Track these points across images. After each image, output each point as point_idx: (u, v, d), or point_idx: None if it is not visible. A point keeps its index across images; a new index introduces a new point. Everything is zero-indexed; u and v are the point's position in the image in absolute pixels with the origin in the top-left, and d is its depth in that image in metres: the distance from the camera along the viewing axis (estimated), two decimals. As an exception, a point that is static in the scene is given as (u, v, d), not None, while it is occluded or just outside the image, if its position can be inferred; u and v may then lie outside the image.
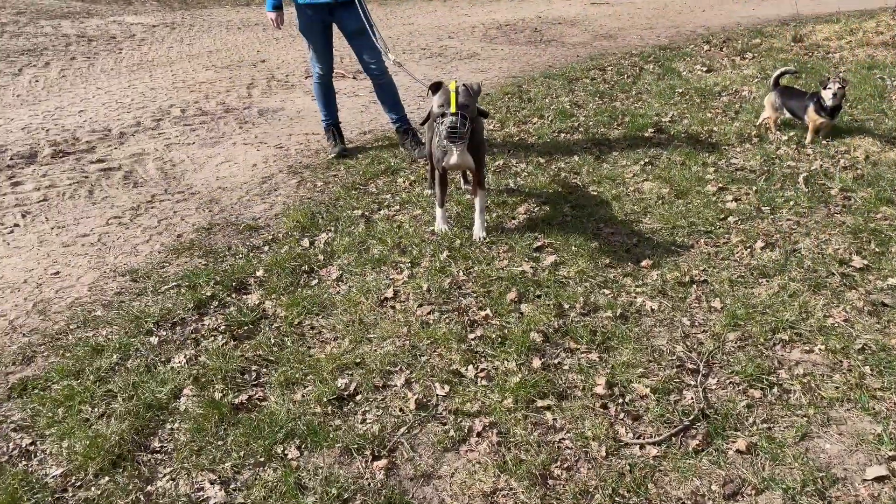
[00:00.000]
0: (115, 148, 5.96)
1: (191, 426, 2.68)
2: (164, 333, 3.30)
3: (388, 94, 5.56)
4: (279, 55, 9.63)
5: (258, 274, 3.80)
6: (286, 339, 3.24)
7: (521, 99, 7.10)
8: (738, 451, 2.53)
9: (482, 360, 3.03)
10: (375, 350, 3.13)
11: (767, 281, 3.64)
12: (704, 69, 8.27)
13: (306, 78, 8.39)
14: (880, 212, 4.38)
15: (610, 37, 10.90)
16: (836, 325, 3.24)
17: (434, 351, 3.11)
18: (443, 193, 4.20)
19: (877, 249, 3.92)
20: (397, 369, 3.01)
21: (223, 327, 3.34)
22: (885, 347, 3.06)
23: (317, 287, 3.68)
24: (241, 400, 2.83)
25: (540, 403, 2.76)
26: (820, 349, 3.07)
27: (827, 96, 5.43)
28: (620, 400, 2.79)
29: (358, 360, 3.05)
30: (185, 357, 3.10)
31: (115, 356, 3.10)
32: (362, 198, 4.77)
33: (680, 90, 7.31)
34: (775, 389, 2.84)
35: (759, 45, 9.58)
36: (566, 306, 3.40)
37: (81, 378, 2.96)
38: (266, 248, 4.13)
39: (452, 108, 3.68)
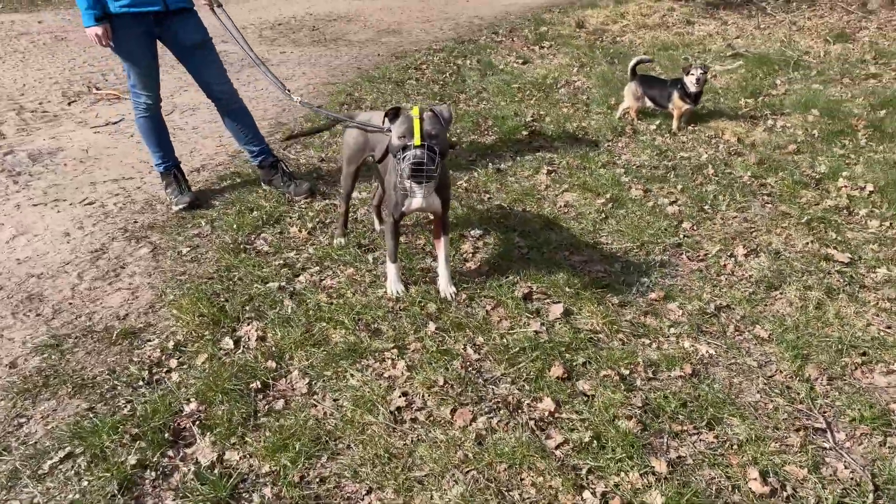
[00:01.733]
0: None
1: None
2: (99, 553, 2.04)
3: (243, 123, 4.38)
4: (12, 77, 7.57)
5: (190, 409, 2.60)
6: (300, 510, 2.18)
7: (362, 109, 6.22)
8: (946, 526, 2.10)
9: (592, 478, 2.27)
10: (441, 497, 2.21)
11: (781, 293, 3.33)
12: (520, 61, 8.04)
13: (70, 104, 6.63)
14: (803, 196, 4.34)
15: (394, 32, 10.30)
16: (885, 333, 3.00)
17: (520, 478, 2.28)
18: (396, 245, 3.30)
19: (838, 238, 3.82)
20: (493, 521, 2.13)
21: (190, 516, 2.16)
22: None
23: (289, 412, 2.60)
24: None
25: (710, 527, 2.09)
26: (898, 367, 2.79)
27: (690, 82, 5.39)
28: (785, 494, 2.22)
29: (434, 523, 2.12)
30: (163, 592, 1.91)
31: None
32: (262, 262, 3.64)
33: (515, 85, 6.96)
34: (907, 430, 2.47)
35: (546, 32, 9.64)
36: (625, 372, 2.75)
37: None
38: (173, 362, 2.90)
39: (417, 141, 2.81)
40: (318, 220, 4.10)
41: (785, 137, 5.35)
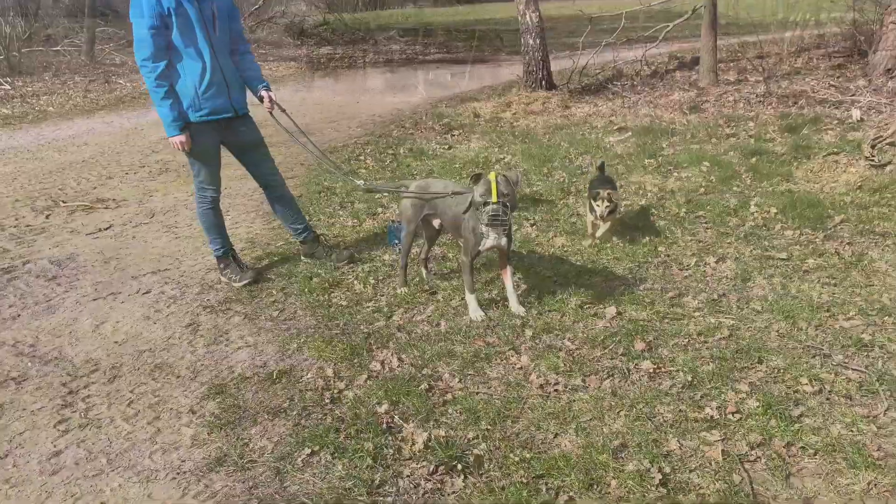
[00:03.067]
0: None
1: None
2: None
3: (289, 207, 5.13)
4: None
5: (383, 409, 3.30)
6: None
7: (350, 201, 7.04)
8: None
9: (705, 400, 3.24)
10: (611, 428, 3.07)
11: (753, 283, 4.54)
12: (446, 146, 9.22)
13: (47, 217, 6.91)
14: (730, 220, 5.70)
15: (308, 133, 11.17)
16: (833, 297, 4.25)
17: (656, 409, 3.20)
18: (473, 278, 4.18)
19: (770, 244, 5.15)
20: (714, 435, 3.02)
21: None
22: (882, 307, 4.12)
23: (461, 399, 3.36)
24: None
25: (795, 412, 3.11)
26: (853, 314, 4.02)
27: (596, 207, 5.29)
28: (826, 389, 3.30)
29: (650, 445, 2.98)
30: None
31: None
32: (354, 311, 4.36)
33: (456, 165, 8.08)
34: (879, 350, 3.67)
35: (450, 122, 10.97)
36: (685, 340, 3.78)
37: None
38: (340, 384, 3.56)
39: (494, 198, 3.80)
40: (372, 278, 4.86)
41: (693, 183, 6.80)
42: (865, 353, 3.60)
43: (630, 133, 8.95)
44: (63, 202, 7.39)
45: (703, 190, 6.56)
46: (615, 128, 9.46)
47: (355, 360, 3.74)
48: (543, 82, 12.68)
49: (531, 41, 12.46)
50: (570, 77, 12.97)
